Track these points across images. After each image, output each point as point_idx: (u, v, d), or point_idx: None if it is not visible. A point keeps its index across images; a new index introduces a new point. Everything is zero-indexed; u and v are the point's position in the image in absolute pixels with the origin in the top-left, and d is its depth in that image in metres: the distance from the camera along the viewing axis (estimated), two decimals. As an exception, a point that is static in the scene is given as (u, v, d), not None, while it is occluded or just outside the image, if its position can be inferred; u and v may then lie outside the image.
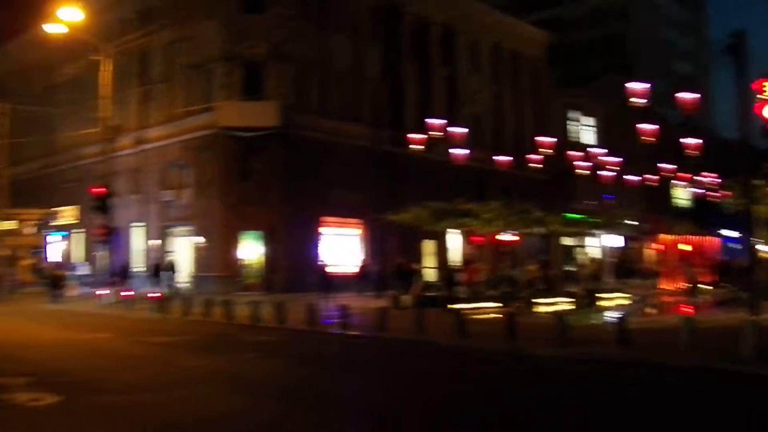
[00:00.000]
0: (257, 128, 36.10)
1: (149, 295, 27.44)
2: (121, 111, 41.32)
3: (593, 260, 47.11)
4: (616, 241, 52.13)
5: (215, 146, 37.17)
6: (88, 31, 36.20)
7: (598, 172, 44.11)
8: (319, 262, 35.08)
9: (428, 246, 42.76)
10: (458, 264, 37.42)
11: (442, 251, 43.35)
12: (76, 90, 47.10)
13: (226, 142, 36.74)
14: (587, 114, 57.65)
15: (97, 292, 29.65)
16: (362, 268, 37.25)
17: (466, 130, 37.03)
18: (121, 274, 34.54)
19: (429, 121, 35.05)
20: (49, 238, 46.04)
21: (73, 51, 46.38)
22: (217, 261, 36.66)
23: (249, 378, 12.80)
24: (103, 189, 31.24)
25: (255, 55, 37.10)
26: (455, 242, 43.52)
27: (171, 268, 36.48)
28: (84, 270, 40.87)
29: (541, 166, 40.95)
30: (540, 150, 38.40)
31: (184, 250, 39.68)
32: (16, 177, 48.13)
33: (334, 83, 39.75)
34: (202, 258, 37.70)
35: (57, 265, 39.45)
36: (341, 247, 39.30)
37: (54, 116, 48.76)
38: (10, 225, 41.17)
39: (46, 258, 40.83)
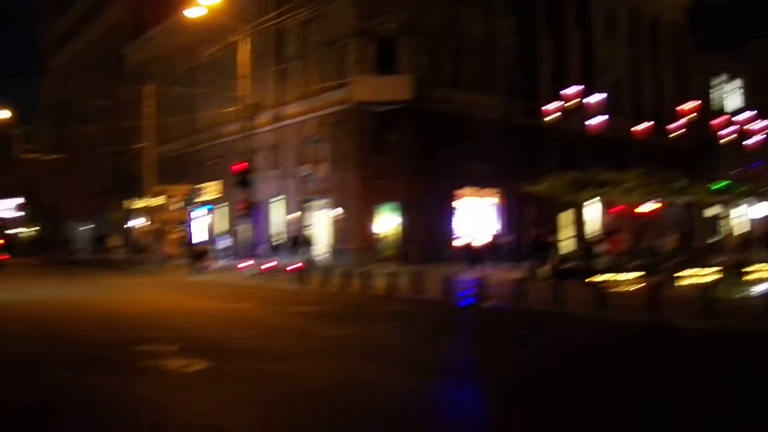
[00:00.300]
0: (391, 102, 36.35)
1: (289, 267, 28.17)
2: (259, 89, 42.48)
3: (740, 231, 45.06)
4: (764, 210, 49.60)
5: (350, 121, 37.69)
6: (226, 14, 37.35)
7: (744, 139, 42.04)
8: (458, 235, 35.10)
9: (565, 217, 42.01)
10: (597, 235, 36.57)
11: (579, 222, 42.50)
12: (216, 71, 48.73)
13: (360, 116, 37.18)
14: (732, 78, 54.95)
15: (239, 265, 30.68)
16: (498, 239, 37.02)
17: (603, 97, 36.00)
18: (262, 247, 35.65)
19: (564, 90, 34.29)
20: (194, 213, 47.94)
21: (213, 33, 48.03)
22: (353, 233, 37.30)
23: (385, 348, 12.99)
24: (244, 165, 32.22)
25: (387, 30, 37.24)
26: (593, 213, 42.54)
27: (307, 241, 37.46)
28: (225, 243, 42.39)
29: (682, 132, 39.36)
30: (681, 117, 36.89)
31: (321, 223, 40.61)
32: (163, 155, 50.38)
33: (467, 55, 39.44)
34: (339, 230, 38.44)
35: (200, 238, 41.07)
36: (477, 219, 39.17)
37: (196, 97, 50.68)
38: (158, 201, 43.12)
39: (191, 232, 42.59)
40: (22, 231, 75.07)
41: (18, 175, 73.55)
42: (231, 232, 46.68)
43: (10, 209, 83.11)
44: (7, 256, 44.33)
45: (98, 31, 72.36)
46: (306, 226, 40.96)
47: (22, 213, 78.20)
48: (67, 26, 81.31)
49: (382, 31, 37.24)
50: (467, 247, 32.66)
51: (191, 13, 33.95)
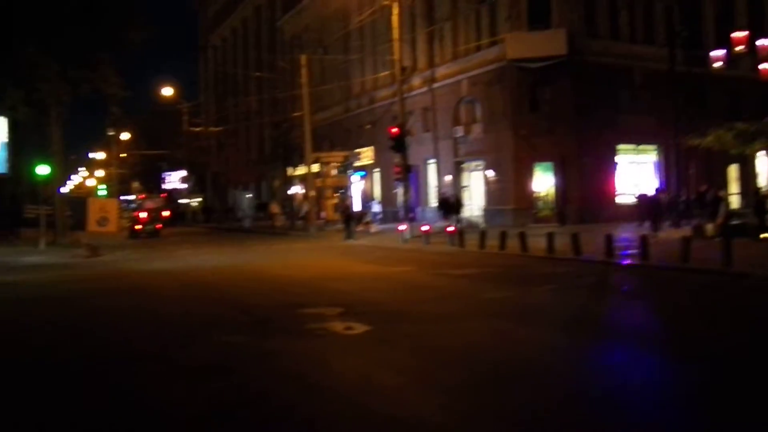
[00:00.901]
0: (545, 58, 35.49)
1: (447, 229, 28.16)
2: (411, 52, 42.58)
3: None
4: None
5: (503, 79, 37.13)
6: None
7: None
8: (620, 192, 33.96)
9: (733, 171, 39.90)
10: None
11: (748, 176, 40.24)
12: (368, 36, 49.27)
13: (514, 74, 36.55)
14: None
15: (399, 228, 30.97)
16: (660, 196, 35.56)
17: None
18: (418, 210, 35.90)
19: (732, 35, 32.27)
20: (350, 179, 48.80)
21: (364, -1, 48.50)
22: (509, 194, 36.88)
23: (544, 309, 12.76)
24: (398, 129, 32.38)
25: (539, -16, 36.31)
26: (764, 166, 40.17)
27: (459, 202, 37.39)
28: (377, 207, 42.90)
29: None
30: None
31: (476, 184, 40.42)
32: (318, 123, 51.47)
33: (625, 4, 37.88)
34: (494, 191, 38.11)
35: (355, 203, 41.78)
36: (637, 176, 37.83)
37: (349, 63, 51.40)
38: (315, 167, 44.11)
39: (349, 197, 43.41)
40: (188, 202, 78.89)
41: (184, 148, 77.15)
42: (385, 196, 47.29)
43: (177, 181, 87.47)
44: (160, 226, 47.15)
45: (253, 5, 74.44)
46: (462, 188, 40.92)
47: (188, 184, 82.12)
48: (224, 3, 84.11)
49: (534, -16, 36.35)
50: (641, 204, 31.33)
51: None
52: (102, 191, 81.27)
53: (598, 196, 35.39)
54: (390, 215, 42.43)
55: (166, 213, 67.60)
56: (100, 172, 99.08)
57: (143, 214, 65.27)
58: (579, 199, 35.47)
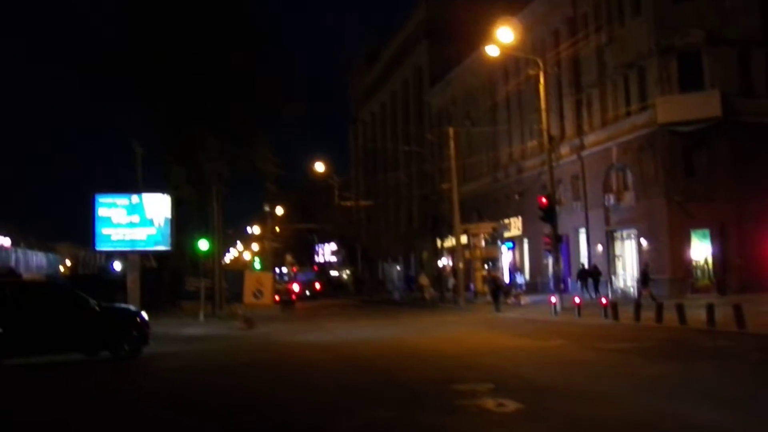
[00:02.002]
0: (699, 120, 34.42)
1: (601, 300, 27.38)
2: (558, 121, 42.32)
3: None
4: None
5: (655, 144, 36.18)
6: (523, 48, 37.77)
7: None
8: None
9: None
10: None
11: None
12: (514, 107, 49.43)
13: (666, 138, 35.56)
14: None
15: (549, 299, 30.39)
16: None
17: None
18: (569, 281, 35.37)
19: None
20: (499, 250, 48.47)
21: (509, 70, 48.91)
22: (663, 262, 35.51)
23: (712, 387, 12.05)
24: (547, 198, 32.05)
25: (690, 45, 35.40)
26: None
27: (596, 272, 36.87)
28: (520, 278, 42.39)
29: None
30: None
31: (629, 254, 39.27)
32: (466, 194, 51.69)
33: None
34: (647, 260, 36.83)
35: (501, 274, 41.44)
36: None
37: (496, 134, 51.60)
38: (464, 239, 44.12)
39: (497, 269, 43.12)
40: (338, 274, 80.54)
41: (335, 222, 79.13)
42: (534, 267, 46.67)
43: (328, 254, 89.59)
44: (294, 296, 48.76)
45: (401, 80, 76.35)
46: (615, 257, 39.93)
47: (338, 257, 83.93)
48: (373, 78, 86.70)
49: (683, 46, 35.51)
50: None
51: (490, 51, 34.74)
52: (257, 264, 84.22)
53: (762, 264, 33.52)
54: (540, 286, 41.72)
55: (317, 285, 69.40)
56: (255, 246, 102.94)
57: (296, 287, 67.29)
58: (741, 268, 33.70)
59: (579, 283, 38.86)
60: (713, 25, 34.93)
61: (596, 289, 36.97)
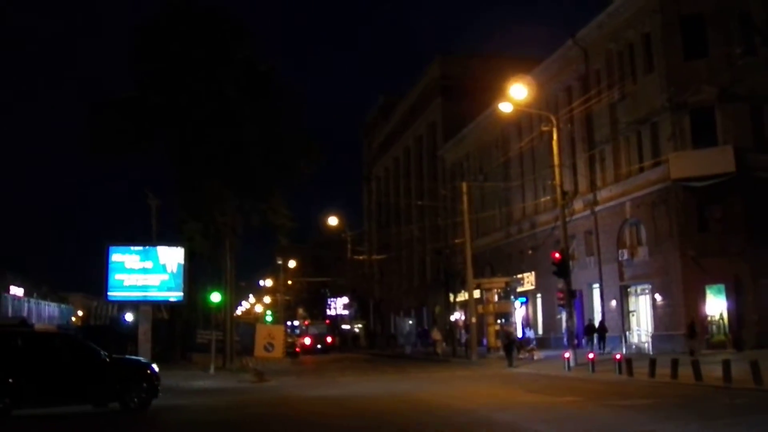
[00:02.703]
0: (712, 176, 34.34)
1: (616, 356, 27.07)
2: (572, 176, 42.39)
3: None
4: None
5: (668, 199, 36.14)
6: (536, 105, 38.05)
7: None
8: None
9: None
10: None
11: None
12: (527, 162, 49.62)
13: (679, 194, 35.52)
14: None
15: (563, 355, 30.09)
16: None
17: None
18: (582, 337, 35.17)
19: None
20: (512, 305, 48.25)
21: (522, 126, 49.24)
22: (678, 318, 35.17)
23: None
24: (561, 254, 31.97)
25: (702, 101, 35.56)
26: None
27: (602, 327, 36.82)
28: (531, 333, 42.15)
29: None
30: None
31: (643, 309, 38.98)
32: (479, 249, 51.63)
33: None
34: (662, 315, 36.54)
35: (514, 329, 41.15)
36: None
37: (509, 189, 51.73)
38: (477, 294, 43.95)
39: (511, 323, 42.85)
40: (351, 327, 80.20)
41: (348, 275, 79.06)
42: (547, 322, 46.38)
43: (340, 307, 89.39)
44: (298, 350, 48.95)
45: (414, 135, 76.91)
46: (629, 312, 39.67)
47: (351, 310, 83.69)
48: (387, 134, 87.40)
49: (696, 102, 35.67)
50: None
51: (503, 107, 35.02)
52: (269, 317, 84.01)
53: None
54: (554, 341, 41.37)
55: (329, 339, 69.08)
56: (267, 299, 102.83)
57: (307, 340, 67.01)
58: (757, 323, 33.33)
59: (585, 338, 38.77)
60: (725, 82, 35.11)
61: (603, 345, 36.91)
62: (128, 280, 32.12)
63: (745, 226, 34.22)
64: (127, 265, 32.22)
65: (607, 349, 36.09)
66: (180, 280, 32.46)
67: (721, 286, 34.75)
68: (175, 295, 32.92)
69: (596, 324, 39.34)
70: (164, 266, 32.21)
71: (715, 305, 35.01)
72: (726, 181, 34.09)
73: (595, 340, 37.81)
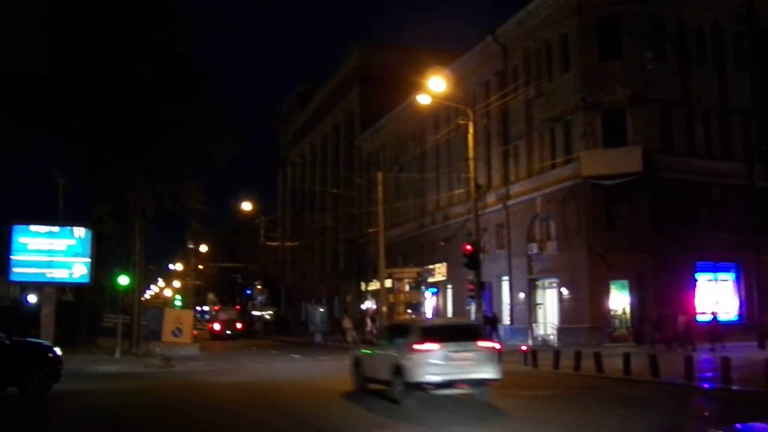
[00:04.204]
0: (621, 175, 35.34)
1: (522, 347, 27.59)
2: (486, 170, 42.97)
3: None
4: None
5: (578, 196, 37.02)
6: (453, 98, 38.39)
7: None
8: (698, 312, 33.21)
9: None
10: None
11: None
12: (443, 154, 50.03)
13: (589, 191, 36.43)
14: None
15: (496, 346, 30.38)
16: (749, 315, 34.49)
17: None
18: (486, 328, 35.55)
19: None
20: (423, 295, 48.67)
21: (439, 119, 49.62)
22: (583, 312, 36.16)
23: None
24: (472, 246, 32.37)
25: (614, 102, 36.55)
26: None
27: (494, 319, 37.40)
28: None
29: None
30: None
31: (550, 302, 39.86)
32: (393, 239, 51.88)
33: (701, 120, 37.70)
34: (568, 309, 37.45)
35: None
36: (717, 293, 36.79)
37: (424, 181, 52.09)
38: (388, 283, 44.17)
39: (420, 314, 43.14)
40: (262, 314, 79.61)
41: (260, 262, 78.45)
42: (457, 313, 46.92)
43: (252, 293, 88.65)
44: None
45: (332, 123, 76.68)
46: (536, 305, 40.50)
47: (262, 297, 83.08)
48: (305, 121, 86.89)
49: (609, 102, 36.63)
50: (711, 325, 30.76)
51: (421, 99, 35.19)
52: (178, 302, 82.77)
53: (677, 315, 34.34)
54: (488, 333, 41.81)
55: (239, 325, 68.43)
56: (177, 283, 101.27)
57: (217, 326, 66.25)
58: (657, 318, 34.47)
59: (487, 329, 39.45)
60: (637, 85, 36.16)
61: (496, 336, 37.10)
62: (32, 260, 31.20)
63: (650, 224, 35.33)
64: (31, 246, 31.33)
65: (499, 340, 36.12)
66: (86, 262, 31.68)
67: (625, 282, 35.86)
68: (80, 275, 32.12)
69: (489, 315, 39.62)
70: (70, 247, 31.39)
71: (619, 300, 36.09)
72: (634, 181, 35.12)
73: (488, 331, 37.97)
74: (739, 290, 37.40)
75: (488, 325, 37.75)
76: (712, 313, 31.91)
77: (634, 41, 36.57)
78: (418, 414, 14.79)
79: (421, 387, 15.63)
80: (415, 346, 15.87)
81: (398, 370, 15.95)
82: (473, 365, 15.95)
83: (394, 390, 16.15)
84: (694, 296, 35.70)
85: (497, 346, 17.62)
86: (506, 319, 42.77)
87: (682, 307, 32.49)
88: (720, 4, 38.02)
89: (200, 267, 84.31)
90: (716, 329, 30.40)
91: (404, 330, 17.57)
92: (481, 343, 16.77)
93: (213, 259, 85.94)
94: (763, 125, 37.41)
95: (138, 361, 32.12)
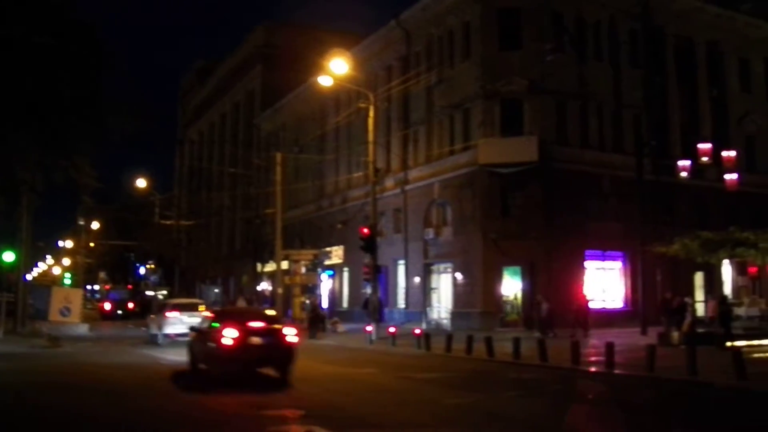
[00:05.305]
0: (517, 164, 36.05)
1: (415, 331, 27.89)
2: (385, 154, 43.14)
3: None
4: None
5: (475, 183, 37.58)
6: (355, 81, 38.31)
7: None
8: (588, 298, 34.29)
9: (698, 278, 40.25)
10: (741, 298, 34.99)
11: (714, 284, 40.60)
12: (343, 137, 49.99)
13: (485, 178, 37.02)
14: None
15: (367, 328, 30.72)
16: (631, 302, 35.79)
17: (738, 153, 34.64)
18: (386, 311, 35.75)
19: (698, 146, 33.33)
20: (319, 277, 48.67)
21: (341, 101, 49.50)
22: (477, 297, 36.83)
23: (508, 418, 12.58)
24: (369, 229, 32.48)
25: (513, 92, 37.21)
26: (728, 274, 40.59)
27: (375, 304, 37.70)
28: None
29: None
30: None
31: (445, 287, 40.40)
32: (290, 220, 51.57)
33: (594, 113, 38.82)
34: (462, 294, 38.06)
35: (320, 301, 41.44)
36: (604, 281, 38.09)
37: (324, 163, 51.96)
38: (285, 265, 43.92)
39: (317, 296, 43.10)
40: (155, 294, 78.02)
41: (154, 241, 76.75)
42: (353, 296, 47.11)
43: (145, 273, 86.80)
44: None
45: (232, 101, 75.56)
46: (431, 289, 40.99)
47: (156, 276, 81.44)
48: (204, 98, 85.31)
49: (507, 92, 37.25)
50: (581, 309, 31.85)
51: (323, 80, 34.96)
52: (67, 280, 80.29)
53: (566, 301, 35.35)
54: (358, 315, 42.08)
55: (131, 305, 66.90)
56: (66, 261, 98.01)
57: (108, 306, 64.58)
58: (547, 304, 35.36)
59: (364, 311, 39.77)
60: (535, 76, 36.91)
61: (376, 318, 37.03)
62: None
63: (543, 213, 36.20)
64: None
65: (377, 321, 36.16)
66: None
67: (518, 269, 36.68)
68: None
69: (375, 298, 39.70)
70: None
71: (511, 286, 36.90)
72: (529, 170, 35.89)
73: (364, 315, 37.96)
74: (625, 279, 38.81)
75: (364, 309, 37.81)
76: (584, 300, 32.81)
77: (534, 33, 37.32)
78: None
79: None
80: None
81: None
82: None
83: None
84: (583, 283, 36.84)
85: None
86: (401, 303, 43.21)
87: (545, 293, 33.29)
88: (617, 2, 39.31)
89: (91, 245, 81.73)
90: (586, 316, 31.30)
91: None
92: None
93: (105, 236, 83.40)
94: (653, 120, 38.93)
95: (23, 341, 31.04)
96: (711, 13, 42.92)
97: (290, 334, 17.08)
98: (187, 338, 20.84)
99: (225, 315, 19.22)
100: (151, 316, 34.40)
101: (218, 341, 16.26)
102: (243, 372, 16.79)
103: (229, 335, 16.19)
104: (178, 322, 27.94)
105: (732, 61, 44.83)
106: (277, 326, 17.54)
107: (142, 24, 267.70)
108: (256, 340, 16.48)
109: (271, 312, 21.02)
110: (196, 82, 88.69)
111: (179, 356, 21.46)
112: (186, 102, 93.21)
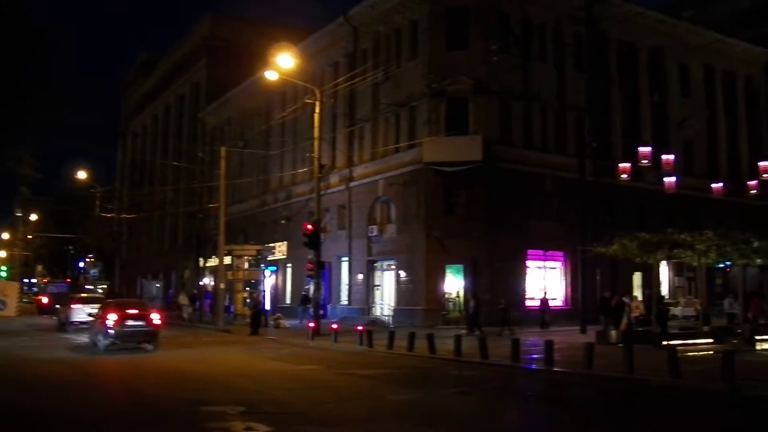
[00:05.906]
0: (461, 163, 36.27)
1: (358, 327, 27.89)
2: (330, 150, 43.04)
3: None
4: None
5: (419, 181, 37.73)
6: (302, 76, 38.15)
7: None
8: (528, 296, 34.70)
9: (637, 278, 41.01)
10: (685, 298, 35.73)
11: (652, 284, 41.40)
12: (288, 132, 49.75)
13: (430, 177, 37.20)
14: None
15: (310, 324, 30.65)
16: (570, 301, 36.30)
17: (677, 156, 35.46)
18: (329, 307, 35.69)
19: (638, 149, 33.95)
20: (262, 273, 48.33)
21: (287, 97, 49.26)
22: (420, 294, 37.00)
23: (447, 414, 12.69)
24: (313, 225, 32.40)
25: (458, 91, 37.43)
26: (666, 275, 41.46)
27: (308, 300, 37.86)
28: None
29: (760, 191, 38.22)
30: (762, 175, 35.66)
31: (388, 284, 40.52)
32: (234, 215, 51.16)
33: (538, 114, 39.31)
34: (405, 291, 38.21)
35: (263, 297, 41.08)
36: (545, 280, 38.58)
37: (269, 158, 51.64)
38: (228, 260, 43.55)
39: (259, 291, 42.75)
40: (94, 288, 76.76)
41: (94, 234, 75.51)
42: (296, 292, 46.92)
43: (84, 266, 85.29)
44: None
45: (176, 94, 74.64)
46: (374, 286, 41.06)
47: (95, 270, 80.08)
48: (148, 90, 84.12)
49: (453, 91, 37.46)
50: (541, 308, 32.35)
51: (269, 75, 34.71)
52: (3, 273, 78.55)
53: (507, 300, 35.68)
54: (302, 311, 41.93)
55: (69, 299, 65.57)
56: (2, 253, 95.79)
57: (45, 299, 63.27)
58: (488, 302, 35.66)
59: (301, 308, 40.48)
60: (481, 75, 37.19)
61: (312, 315, 36.68)
62: None
63: (486, 212, 36.48)
64: None
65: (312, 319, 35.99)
66: None
67: (460, 267, 36.93)
68: None
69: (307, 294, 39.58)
70: None
71: (455, 284, 37.15)
72: (473, 169, 36.14)
73: (308, 311, 37.80)
74: (565, 278, 39.38)
75: (308, 305, 37.76)
76: (544, 298, 33.38)
77: (480, 33, 37.61)
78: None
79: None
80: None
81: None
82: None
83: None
84: (523, 282, 37.28)
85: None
86: (344, 300, 43.21)
87: (482, 292, 33.72)
88: (563, 5, 39.82)
89: (29, 237, 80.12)
90: (508, 315, 31.68)
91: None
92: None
93: (43, 229, 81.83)
94: (595, 123, 39.49)
95: (-48, 335, 30.32)
96: (653, 20, 43.76)
97: (156, 318, 24.17)
98: (87, 325, 29.03)
99: (110, 305, 25.58)
100: (60, 307, 38.68)
101: (104, 323, 23.39)
102: (122, 345, 23.44)
103: (112, 318, 23.32)
104: (81, 312, 33.60)
105: (673, 66, 45.84)
106: (146, 312, 24.46)
107: (86, 14, 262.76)
108: (131, 322, 23.59)
109: (143, 302, 30.53)
110: (140, 74, 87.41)
111: (83, 338, 27.65)
112: (129, 94, 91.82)
